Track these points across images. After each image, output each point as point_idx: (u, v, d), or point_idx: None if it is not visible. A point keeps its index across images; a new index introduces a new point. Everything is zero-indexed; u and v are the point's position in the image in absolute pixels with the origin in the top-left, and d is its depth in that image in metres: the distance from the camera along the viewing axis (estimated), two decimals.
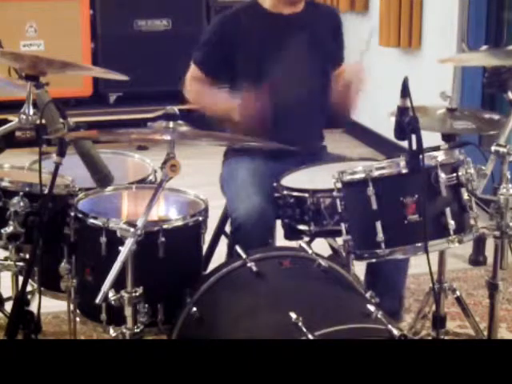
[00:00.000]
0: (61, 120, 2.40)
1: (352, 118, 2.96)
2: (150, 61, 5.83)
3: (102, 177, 2.50)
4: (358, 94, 2.92)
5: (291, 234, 2.58)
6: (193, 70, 3.02)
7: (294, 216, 2.53)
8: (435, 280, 2.72)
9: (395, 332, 1.98)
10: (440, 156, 2.29)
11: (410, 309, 3.26)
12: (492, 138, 2.45)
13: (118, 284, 2.12)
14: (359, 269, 2.55)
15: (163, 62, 5.78)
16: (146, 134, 2.43)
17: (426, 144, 2.15)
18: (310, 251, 2.42)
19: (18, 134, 5.29)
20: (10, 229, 2.50)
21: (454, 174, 2.29)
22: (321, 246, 2.79)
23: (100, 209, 2.52)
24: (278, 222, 2.66)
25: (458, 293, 2.83)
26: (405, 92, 2.13)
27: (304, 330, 1.95)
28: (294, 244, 2.59)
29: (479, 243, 2.46)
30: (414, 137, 2.11)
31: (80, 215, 2.45)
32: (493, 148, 2.37)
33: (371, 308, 2.07)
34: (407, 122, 2.12)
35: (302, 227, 2.52)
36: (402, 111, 2.14)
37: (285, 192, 2.56)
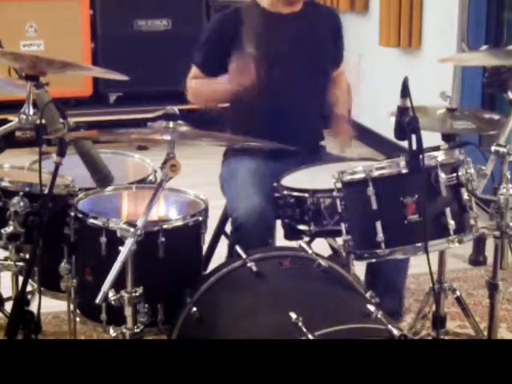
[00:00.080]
0: (61, 120, 2.39)
1: (352, 118, 2.97)
2: (150, 61, 5.83)
3: (102, 177, 2.50)
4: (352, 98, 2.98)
5: (291, 233, 2.58)
6: (193, 72, 3.04)
7: (293, 216, 2.53)
8: (435, 280, 2.72)
9: (395, 332, 1.98)
10: (440, 156, 2.29)
11: (410, 309, 3.25)
12: (492, 137, 2.45)
13: (118, 284, 2.12)
14: (359, 269, 2.55)
15: (163, 62, 5.78)
16: (145, 134, 2.43)
17: (426, 144, 2.15)
18: (310, 251, 2.42)
19: (18, 133, 5.29)
20: (10, 229, 2.50)
21: (454, 174, 2.29)
22: (321, 246, 2.79)
23: (100, 209, 2.52)
24: (278, 222, 2.66)
25: (458, 293, 2.83)
26: (405, 92, 2.13)
27: (304, 329, 1.95)
28: (294, 244, 2.59)
29: (479, 243, 2.46)
30: (414, 137, 2.11)
31: (80, 215, 2.45)
32: (493, 148, 2.37)
33: (371, 308, 2.07)
34: (407, 122, 2.12)
35: (301, 227, 2.52)
36: (401, 111, 2.14)
37: (285, 192, 2.56)
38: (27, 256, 2.52)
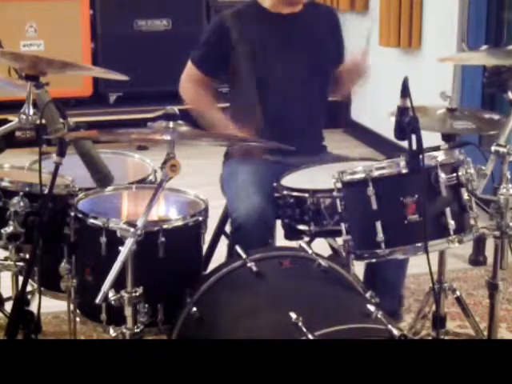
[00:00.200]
0: (61, 120, 2.40)
1: (352, 118, 2.96)
2: (150, 61, 5.83)
3: (102, 177, 2.50)
4: (356, 81, 2.97)
5: (291, 233, 2.58)
6: (190, 69, 3.02)
7: (293, 216, 2.53)
8: (435, 280, 2.72)
9: (395, 332, 1.98)
10: (440, 156, 2.29)
11: (410, 309, 3.25)
12: (492, 137, 2.45)
13: (118, 284, 2.12)
14: (359, 269, 2.55)
15: (163, 62, 5.78)
16: (146, 134, 2.43)
17: (426, 144, 2.15)
18: (310, 251, 2.42)
19: (18, 133, 5.29)
20: (10, 229, 2.50)
21: (454, 174, 2.29)
22: (321, 246, 2.79)
23: (100, 209, 2.52)
24: (278, 222, 2.66)
25: (458, 293, 2.82)
26: (405, 92, 2.13)
27: (304, 329, 1.95)
28: (294, 244, 2.59)
29: (479, 243, 2.46)
30: (414, 137, 2.11)
31: (80, 215, 2.45)
32: (493, 148, 2.37)
33: (371, 308, 2.07)
34: (407, 122, 2.12)
35: (301, 227, 2.52)
36: (401, 111, 2.14)
37: (285, 192, 2.56)
38: (27, 256, 2.52)
